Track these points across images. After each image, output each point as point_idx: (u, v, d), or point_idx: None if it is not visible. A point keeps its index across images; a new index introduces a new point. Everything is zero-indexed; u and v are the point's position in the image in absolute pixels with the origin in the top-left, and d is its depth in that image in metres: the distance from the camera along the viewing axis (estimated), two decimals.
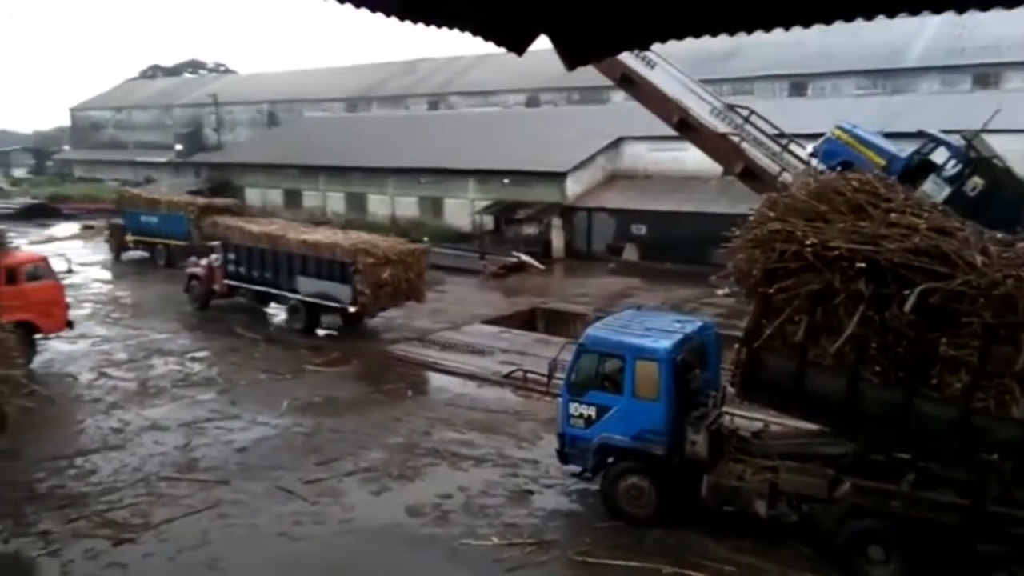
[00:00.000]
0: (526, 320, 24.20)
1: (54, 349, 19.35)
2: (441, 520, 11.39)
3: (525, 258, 32.16)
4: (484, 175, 37.29)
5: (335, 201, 43.30)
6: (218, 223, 25.13)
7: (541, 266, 32.18)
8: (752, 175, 18.28)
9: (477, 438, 14.47)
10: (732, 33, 3.78)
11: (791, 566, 9.99)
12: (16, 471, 12.59)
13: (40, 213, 47.45)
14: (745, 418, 12.43)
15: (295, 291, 21.78)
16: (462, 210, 37.95)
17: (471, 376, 18.32)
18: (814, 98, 40.07)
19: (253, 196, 45.70)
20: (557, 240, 34.41)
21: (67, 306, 19.42)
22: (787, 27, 3.52)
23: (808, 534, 10.39)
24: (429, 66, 60.64)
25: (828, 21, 3.30)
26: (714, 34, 3.73)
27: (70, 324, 19.38)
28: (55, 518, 11.15)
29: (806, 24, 3.40)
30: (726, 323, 18.42)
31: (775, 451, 10.84)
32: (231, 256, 23.48)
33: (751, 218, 10.59)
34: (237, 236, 23.42)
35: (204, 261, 24.75)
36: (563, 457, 11.83)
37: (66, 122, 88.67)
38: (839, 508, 9.95)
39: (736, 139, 18.35)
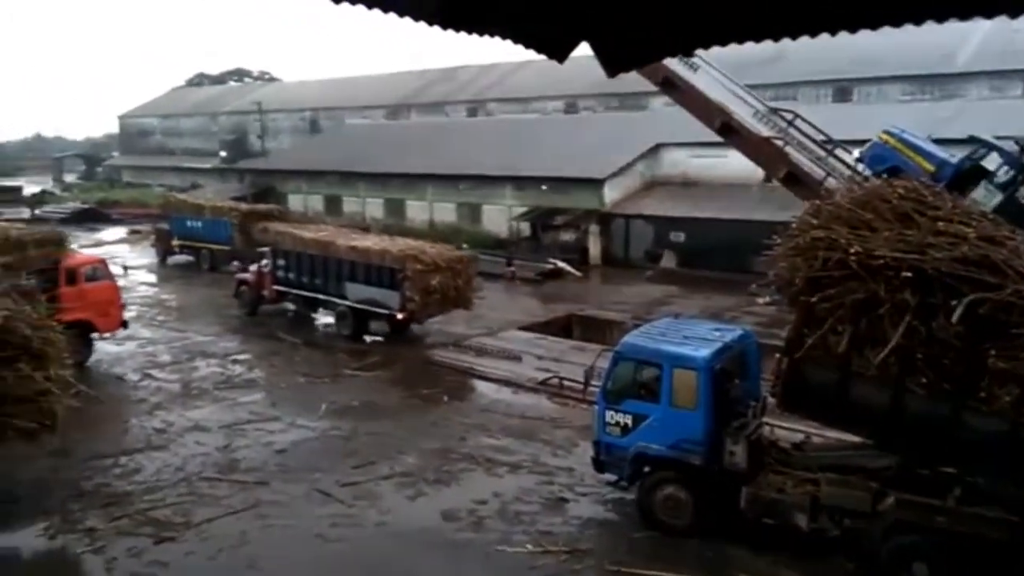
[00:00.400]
0: (562, 327, 24.15)
1: (102, 350, 19.84)
2: (476, 526, 11.40)
3: (562, 265, 32.11)
4: (522, 181, 37.36)
5: (374, 207, 43.77)
6: (268, 229, 25.20)
7: (578, 273, 32.10)
8: (796, 180, 17.98)
9: (512, 444, 14.46)
10: (777, 39, 3.73)
11: None
12: (64, 469, 12.94)
13: (90, 217, 48.79)
14: (786, 429, 12.22)
15: (343, 297, 21.86)
16: (500, 216, 38.05)
17: (507, 382, 18.34)
18: (859, 104, 39.38)
19: (295, 202, 46.43)
20: (594, 247, 34.30)
21: (123, 306, 20.30)
22: (833, 32, 3.46)
23: (850, 549, 10.15)
24: (468, 73, 61.05)
25: (875, 26, 3.24)
26: (758, 40, 3.68)
27: (125, 324, 20.13)
28: (100, 516, 11.43)
29: (852, 29, 3.33)
30: (766, 332, 18.15)
31: (817, 463, 10.64)
32: (280, 262, 23.61)
33: (794, 225, 10.42)
34: (287, 242, 23.57)
35: (253, 267, 24.92)
36: (599, 465, 11.75)
37: (115, 129, 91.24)
38: (883, 523, 9.71)
39: (780, 143, 18.07)
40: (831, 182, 16.84)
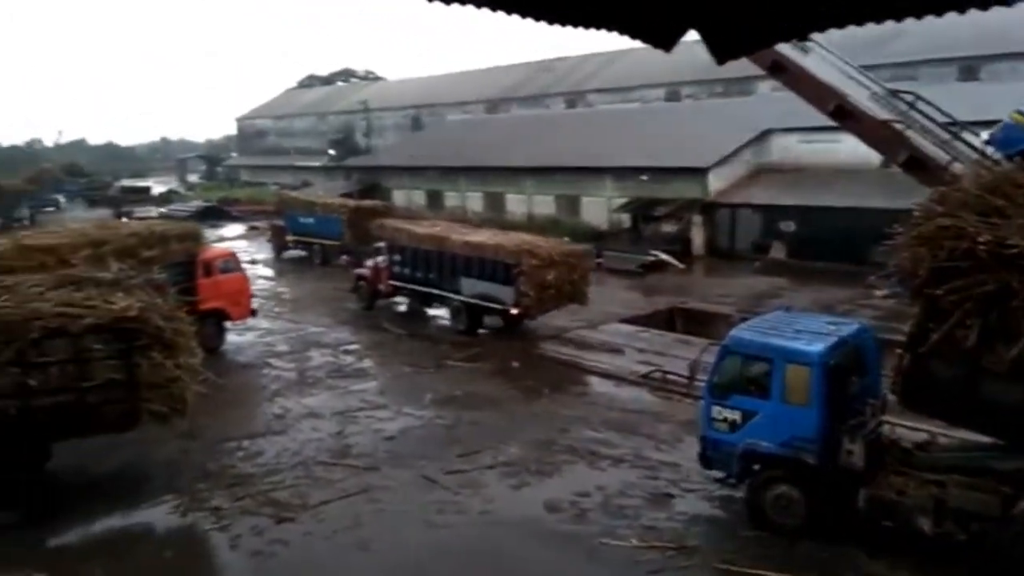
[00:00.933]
0: (665, 320, 23.74)
1: (226, 340, 21.08)
2: (579, 518, 11.41)
3: (663, 256, 31.55)
4: (622, 172, 36.92)
5: (474, 201, 44.38)
6: (385, 225, 25.42)
7: (680, 265, 31.45)
8: (917, 165, 16.93)
9: (615, 438, 14.37)
10: (900, 19, 3.53)
11: None
12: (192, 451, 13.84)
13: (212, 215, 51.74)
14: (908, 428, 11.59)
15: (458, 292, 21.92)
16: (599, 208, 37.78)
17: (608, 375, 18.23)
18: (987, 83, 36.60)
19: (399, 197, 47.70)
20: (698, 238, 33.52)
21: (252, 296, 21.81)
22: (962, 10, 3.25)
23: (977, 555, 9.54)
24: (567, 64, 60.85)
25: (1010, 2, 3.02)
26: (879, 20, 3.50)
27: (254, 312, 21.69)
28: (225, 495, 12.15)
29: (984, 6, 3.12)
30: (885, 326, 17.26)
31: (942, 464, 10.03)
32: (396, 258, 23.90)
33: (916, 213, 9.84)
34: (402, 238, 23.77)
35: (370, 262, 25.37)
36: (705, 461, 11.50)
37: (233, 131, 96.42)
38: (1013, 528, 9.07)
39: (899, 126, 17.05)
40: (957, 167, 15.78)
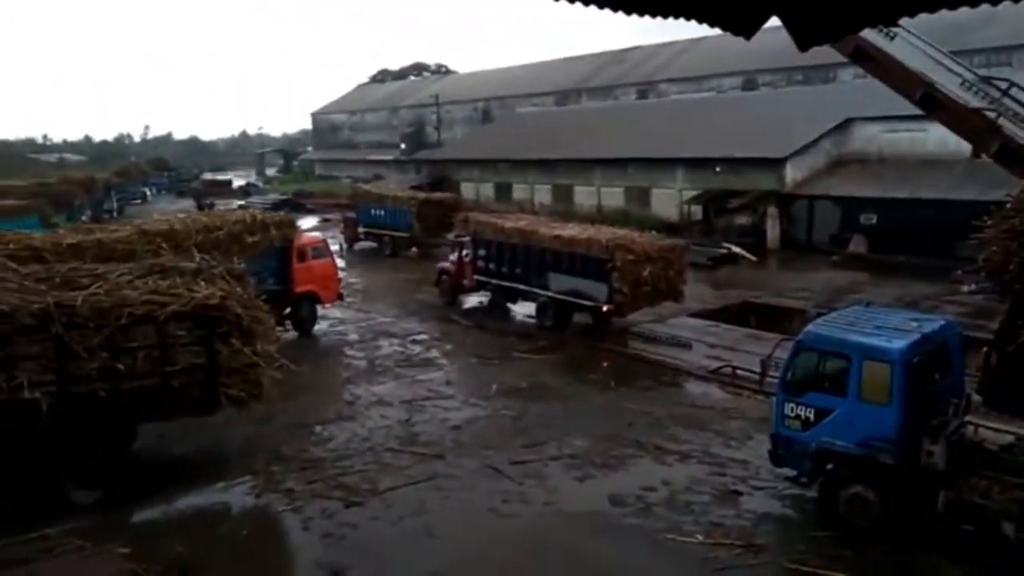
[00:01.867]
0: (736, 315, 23.24)
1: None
2: (644, 512, 11.31)
3: (736, 249, 30.87)
4: (694, 163, 36.30)
5: (542, 193, 44.37)
6: (470, 219, 24.93)
7: (754, 258, 30.72)
8: (1010, 156, 16.02)
9: (682, 433, 14.17)
10: (996, 3, 3.34)
11: None
12: (267, 435, 14.31)
13: (288, 207, 53.31)
14: (993, 430, 11.05)
15: (546, 288, 21.39)
16: (669, 200, 37.25)
17: (676, 370, 17.98)
18: None
19: (468, 190, 48.12)
20: (772, 230, 32.66)
21: (340, 281, 22.96)
22: None
23: None
24: (639, 54, 60.06)
25: None
26: (974, 5, 3.32)
27: (341, 296, 22.97)
28: (297, 479, 12.52)
29: None
30: (971, 323, 16.55)
31: None
32: (481, 252, 23.53)
33: (1009, 205, 9.35)
34: (489, 232, 23.33)
35: (453, 256, 25.01)
36: (776, 459, 11.23)
37: (308, 125, 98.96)
38: None
39: (992, 115, 16.17)
40: None
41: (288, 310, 20.59)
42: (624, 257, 19.43)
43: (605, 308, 20.05)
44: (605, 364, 18.55)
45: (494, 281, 23.31)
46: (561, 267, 20.89)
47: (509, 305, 23.92)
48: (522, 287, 22.33)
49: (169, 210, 45.49)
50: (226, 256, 16.25)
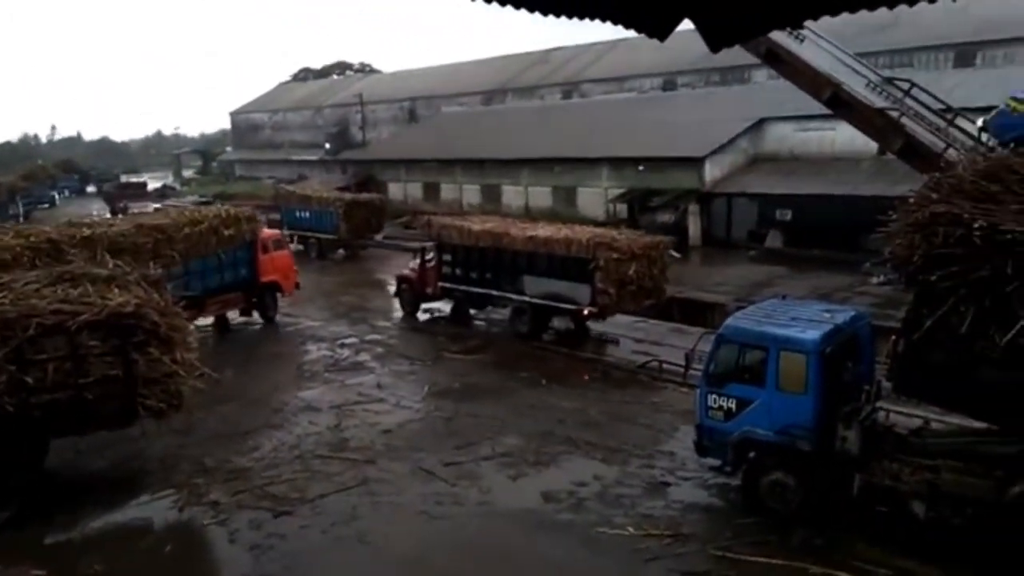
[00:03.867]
0: (661, 310, 23.75)
1: (229, 337, 21.09)
2: (576, 507, 11.46)
3: None
4: (618, 163, 36.93)
5: (471, 193, 44.37)
6: (432, 222, 23.27)
7: (677, 254, 31.38)
8: (913, 153, 16.94)
9: (612, 428, 14.42)
10: (892, 6, 3.53)
11: (955, 571, 9.29)
12: (189, 446, 13.84)
13: None
14: (902, 414, 11.65)
15: (520, 292, 20.25)
16: (596, 199, 37.79)
17: (605, 365, 18.27)
18: (983, 69, 36.60)
19: (395, 190, 47.68)
20: (694, 227, 33.54)
21: (296, 272, 24.00)
22: None
23: (973, 538, 9.59)
24: (562, 55, 60.66)
25: None
26: (872, 7, 3.50)
27: (298, 285, 23.99)
28: (223, 490, 12.17)
29: None
30: (880, 313, 17.35)
31: (936, 450, 10.09)
32: (447, 257, 22.03)
33: (912, 200, 9.85)
34: (454, 235, 21.87)
35: (413, 263, 23.63)
36: (701, 450, 11.55)
37: (227, 125, 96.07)
38: (1009, 512, 9.12)
39: (895, 114, 17.05)
40: (952, 153, 15.81)
41: (254, 300, 22.54)
42: (608, 256, 18.52)
43: (586, 311, 19.19)
44: (535, 362, 18.68)
45: (462, 288, 21.90)
46: (537, 270, 19.89)
47: (472, 312, 22.86)
48: (494, 292, 21.11)
49: (80, 214, 43.41)
50: (208, 249, 19.84)
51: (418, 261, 23.25)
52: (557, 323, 20.89)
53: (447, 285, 22.25)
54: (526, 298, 20.22)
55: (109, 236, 17.14)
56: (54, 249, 15.69)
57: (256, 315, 23.02)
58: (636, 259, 18.94)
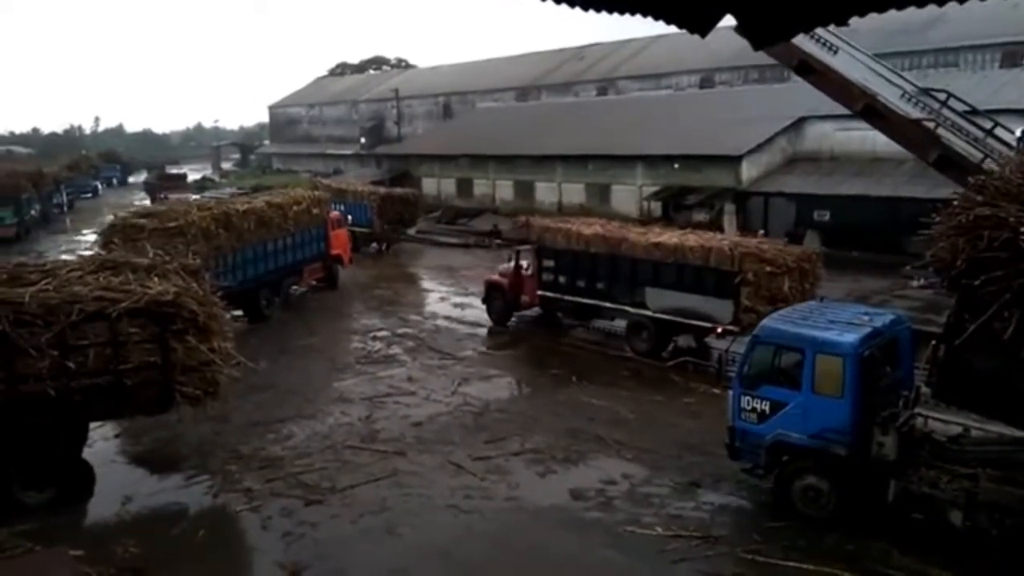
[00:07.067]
0: None
1: (263, 327, 21.43)
2: (604, 506, 11.42)
3: None
4: (653, 160, 36.62)
5: (504, 189, 44.35)
6: (532, 224, 21.38)
7: None
8: (949, 164, 16.57)
9: (642, 427, 14.33)
10: (942, 4, 3.44)
11: None
12: (225, 434, 14.09)
13: None
14: (941, 421, 11.40)
15: (640, 306, 18.33)
16: (630, 196, 37.53)
17: (637, 363, 18.16)
18: None
19: (429, 185, 47.85)
20: (729, 227, 33.08)
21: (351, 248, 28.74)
22: None
23: (1010, 551, 9.35)
24: (598, 51, 60.31)
25: None
26: (920, 5, 3.41)
27: (351, 260, 28.48)
28: (256, 478, 12.37)
29: None
30: (921, 317, 17.02)
31: (976, 458, 9.86)
32: (549, 263, 20.24)
33: (956, 203, 9.62)
34: (558, 239, 20.02)
35: (504, 266, 22.09)
36: (733, 452, 11.43)
37: (265, 119, 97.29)
38: None
39: (931, 125, 16.66)
40: (990, 164, 15.42)
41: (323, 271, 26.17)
42: (760, 269, 16.52)
43: (720, 329, 16.82)
44: (566, 359, 18.61)
45: (566, 297, 19.94)
46: (663, 281, 17.85)
47: (583, 324, 20.79)
48: (606, 304, 19.19)
49: (122, 204, 44.19)
50: (306, 223, 24.32)
51: (513, 266, 21.52)
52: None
53: (548, 294, 20.40)
54: (647, 312, 18.26)
55: (256, 211, 21.72)
56: (226, 219, 20.35)
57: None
58: (789, 273, 16.84)
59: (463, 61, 76.76)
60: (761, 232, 23.61)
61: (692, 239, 18.17)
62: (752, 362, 11.07)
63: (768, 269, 16.60)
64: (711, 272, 17.06)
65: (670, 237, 18.43)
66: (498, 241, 35.78)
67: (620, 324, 19.70)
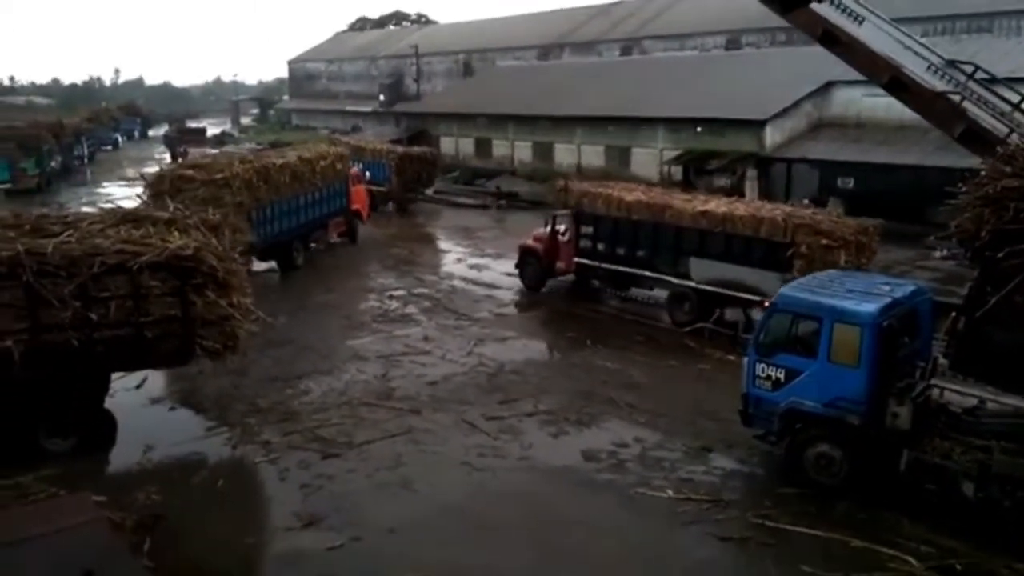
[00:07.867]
0: None
1: (283, 279, 21.58)
2: (616, 468, 11.53)
3: None
4: (675, 123, 36.10)
5: (522, 150, 43.98)
6: (571, 188, 20.69)
7: None
8: (974, 138, 16.19)
9: (655, 391, 14.39)
10: None
11: (999, 553, 9.11)
12: (243, 387, 14.33)
13: None
14: (958, 393, 11.35)
15: (684, 276, 17.95)
16: (650, 160, 37.10)
17: (653, 328, 18.17)
18: None
19: (447, 144, 47.53)
20: (751, 193, 32.67)
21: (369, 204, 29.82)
22: None
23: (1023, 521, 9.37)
24: (623, 9, 59.13)
25: None
26: None
27: (369, 215, 29.56)
28: (274, 431, 12.60)
29: None
30: (942, 288, 16.82)
31: (990, 430, 9.84)
32: (588, 229, 19.83)
33: (983, 173, 9.44)
34: (599, 204, 19.53)
35: (539, 231, 21.47)
36: (746, 418, 11.45)
37: (285, 74, 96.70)
38: None
39: (956, 98, 16.26)
40: (1016, 139, 15.03)
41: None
42: (813, 241, 15.94)
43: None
44: (582, 323, 18.64)
45: (604, 265, 19.56)
46: (710, 251, 17.44)
47: (620, 293, 20.25)
48: (647, 274, 18.79)
49: (141, 157, 44.45)
50: (332, 179, 25.40)
51: (549, 231, 20.98)
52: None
53: (585, 261, 20.01)
54: (691, 283, 17.86)
55: (290, 165, 22.90)
56: (266, 172, 21.63)
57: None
58: (845, 246, 16.13)
59: (484, 18, 75.70)
60: (806, 201, 23.05)
61: (742, 208, 17.73)
62: (769, 329, 11.03)
63: (824, 242, 15.96)
64: (761, 243, 16.63)
65: (718, 205, 17.94)
66: (500, 202, 35.66)
67: (658, 294, 19.37)
